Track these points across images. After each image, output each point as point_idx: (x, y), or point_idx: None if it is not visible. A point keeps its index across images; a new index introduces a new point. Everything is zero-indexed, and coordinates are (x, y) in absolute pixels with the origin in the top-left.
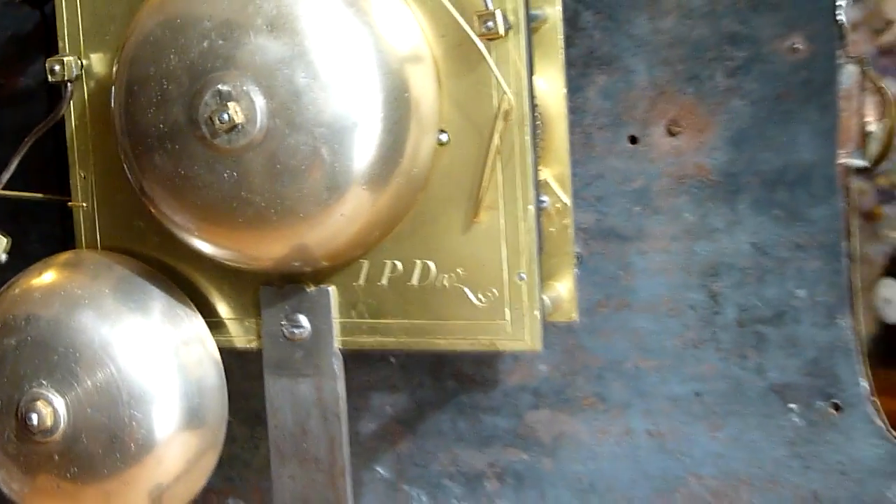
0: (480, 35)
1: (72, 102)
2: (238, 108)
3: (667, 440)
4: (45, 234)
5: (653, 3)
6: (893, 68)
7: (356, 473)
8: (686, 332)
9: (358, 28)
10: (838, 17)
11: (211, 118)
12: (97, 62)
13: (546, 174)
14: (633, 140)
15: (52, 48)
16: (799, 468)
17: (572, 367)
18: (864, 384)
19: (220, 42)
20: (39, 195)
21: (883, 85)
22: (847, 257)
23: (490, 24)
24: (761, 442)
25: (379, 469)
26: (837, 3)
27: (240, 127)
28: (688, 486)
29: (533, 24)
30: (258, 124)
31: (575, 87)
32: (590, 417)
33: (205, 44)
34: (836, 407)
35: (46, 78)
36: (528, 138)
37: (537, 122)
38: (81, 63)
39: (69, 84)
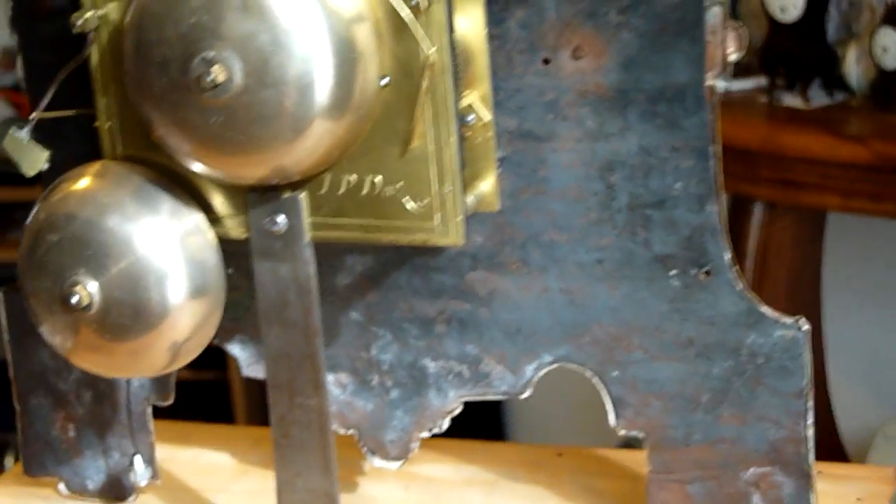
0: (411, 8)
1: (93, 44)
2: (220, 71)
3: (576, 296)
4: (77, 152)
5: None
6: None
7: (335, 318)
8: (589, 213)
9: (314, 8)
10: None
11: (199, 78)
12: (112, 10)
13: (472, 96)
14: (546, 62)
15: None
16: (678, 320)
17: (502, 238)
18: (728, 256)
19: (206, 17)
20: (72, 112)
21: (740, 24)
22: (714, 157)
23: (415, 1)
24: (649, 299)
25: (353, 314)
26: None
27: (222, 85)
28: (592, 332)
29: None
30: (235, 83)
31: (498, 19)
32: (516, 277)
33: (193, 19)
34: (707, 273)
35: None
36: (449, 83)
37: (458, 66)
38: (99, 15)
39: (90, 34)
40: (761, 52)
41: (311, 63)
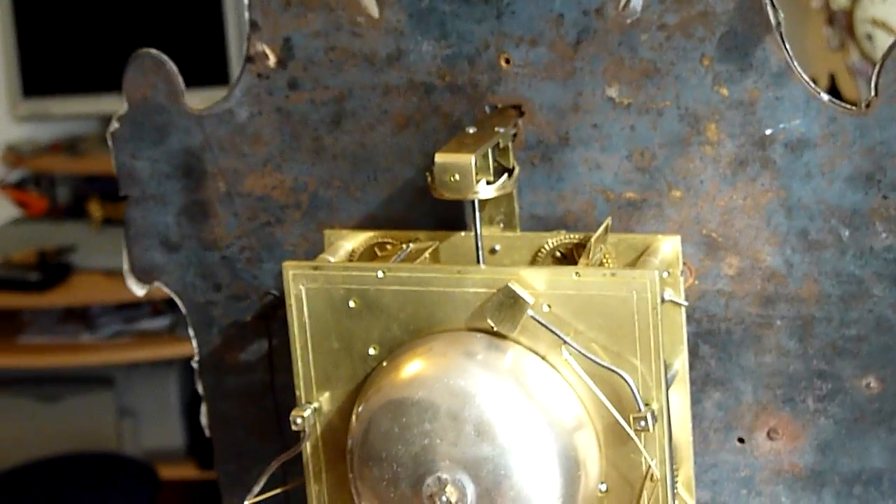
0: (636, 430)
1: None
2: (453, 492)
3: None
4: None
5: (758, 342)
6: None
7: None
8: None
9: (542, 430)
10: None
11: (432, 498)
12: (325, 402)
13: (679, 479)
14: (741, 440)
15: None
16: None
17: None
18: None
19: (438, 441)
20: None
21: None
22: None
23: (642, 423)
24: None
25: None
26: None
27: None
28: None
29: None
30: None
31: (696, 399)
32: None
33: (426, 441)
34: None
35: None
36: (669, 493)
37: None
38: (315, 409)
39: (307, 429)
40: None
41: (540, 480)
